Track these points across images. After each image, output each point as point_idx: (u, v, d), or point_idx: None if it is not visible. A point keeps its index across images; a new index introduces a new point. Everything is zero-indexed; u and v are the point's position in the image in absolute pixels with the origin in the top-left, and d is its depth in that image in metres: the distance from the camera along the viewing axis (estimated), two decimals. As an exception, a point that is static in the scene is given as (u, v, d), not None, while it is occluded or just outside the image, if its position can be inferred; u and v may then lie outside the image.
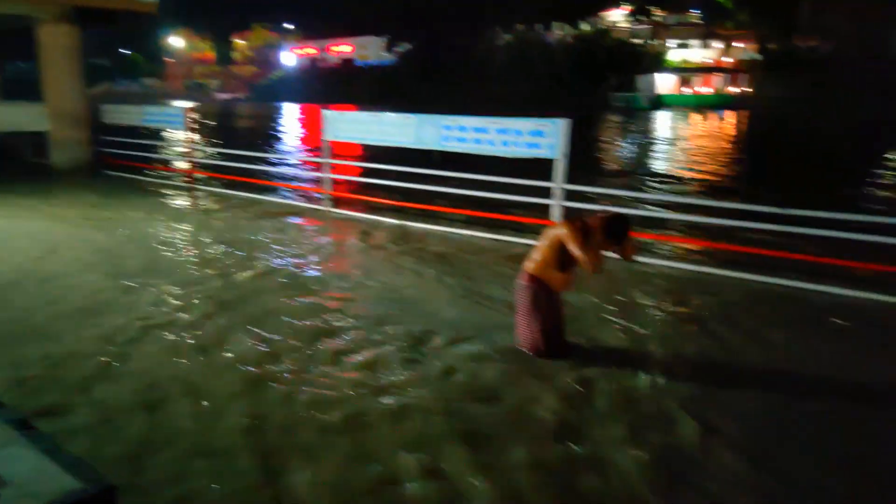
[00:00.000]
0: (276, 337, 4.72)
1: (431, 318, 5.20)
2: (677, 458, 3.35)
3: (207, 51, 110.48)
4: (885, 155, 19.53)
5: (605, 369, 4.25)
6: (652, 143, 23.12)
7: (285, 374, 4.13)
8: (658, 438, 3.50)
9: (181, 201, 10.41)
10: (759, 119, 38.59)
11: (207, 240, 7.74)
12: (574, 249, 4.02)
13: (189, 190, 11.38)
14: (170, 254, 7.08)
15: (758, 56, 56.94)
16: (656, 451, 3.37)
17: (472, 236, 8.00)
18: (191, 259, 6.90)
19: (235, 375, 4.12)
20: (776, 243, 6.93)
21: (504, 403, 3.83)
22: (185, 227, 8.48)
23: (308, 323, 5.02)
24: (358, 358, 4.42)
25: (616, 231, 4.11)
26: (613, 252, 4.27)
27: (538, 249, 4.24)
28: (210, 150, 17.87)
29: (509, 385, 4.05)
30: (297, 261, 6.85)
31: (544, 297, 4.23)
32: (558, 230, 4.14)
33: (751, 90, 54.79)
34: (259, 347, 4.55)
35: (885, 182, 14.04)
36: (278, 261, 6.82)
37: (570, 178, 7.24)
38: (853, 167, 16.97)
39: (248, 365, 4.26)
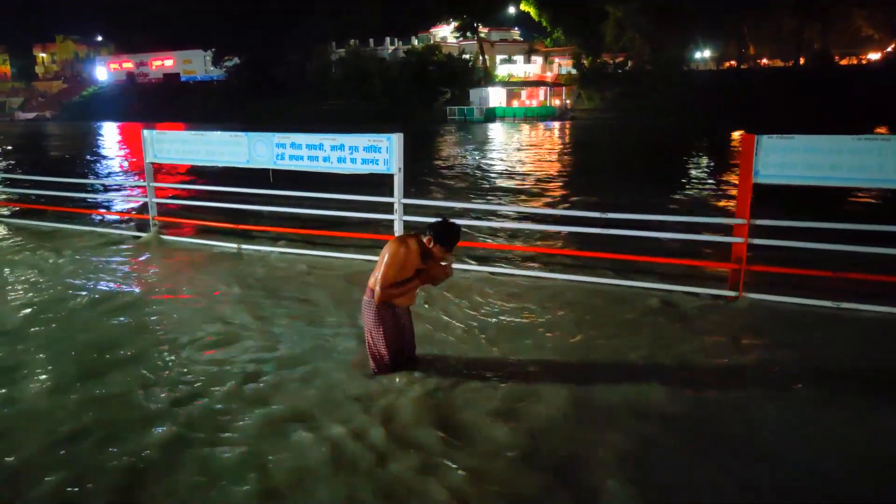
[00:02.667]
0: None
1: (267, 342, 4.99)
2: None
3: (2, 65, 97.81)
4: (689, 157, 22.13)
5: (453, 381, 4.33)
6: (488, 155, 24.18)
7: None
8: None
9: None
10: (579, 129, 41.90)
11: (13, 278, 6.82)
12: (383, 269, 4.02)
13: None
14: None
15: (574, 71, 61.93)
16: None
17: (312, 256, 7.81)
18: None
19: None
20: (602, 245, 7.53)
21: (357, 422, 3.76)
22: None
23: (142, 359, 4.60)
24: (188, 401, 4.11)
25: (445, 237, 4.09)
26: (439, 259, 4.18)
27: (378, 265, 4.22)
28: (11, 176, 15.85)
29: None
30: (114, 294, 6.24)
31: (387, 313, 4.21)
32: (389, 246, 4.14)
33: (570, 102, 59.43)
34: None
35: (691, 183, 15.86)
36: (95, 295, 6.18)
37: (411, 193, 7.34)
38: (663, 172, 18.94)
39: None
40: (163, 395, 4.15)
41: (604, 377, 4.45)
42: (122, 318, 5.60)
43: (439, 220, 4.20)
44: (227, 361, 4.66)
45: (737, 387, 4.33)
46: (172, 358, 4.73)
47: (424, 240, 4.15)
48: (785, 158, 5.80)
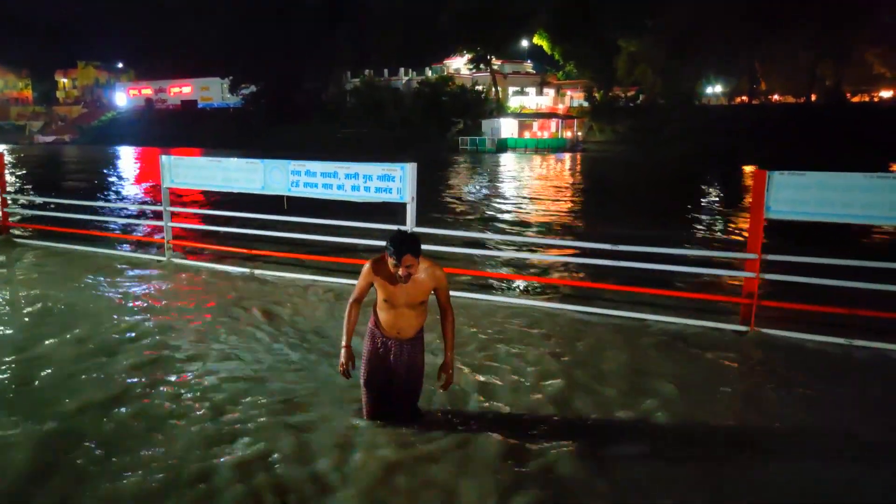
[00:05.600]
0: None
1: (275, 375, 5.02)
2: None
3: (24, 89, 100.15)
4: (700, 191, 22.17)
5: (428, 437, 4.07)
6: (500, 186, 24.34)
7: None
8: None
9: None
10: (590, 161, 42.10)
11: (30, 299, 6.91)
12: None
13: (2, 245, 10.09)
14: (-23, 318, 6.22)
15: (585, 104, 62.52)
16: None
17: (324, 281, 7.85)
18: (4, 320, 6.11)
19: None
20: (612, 277, 7.53)
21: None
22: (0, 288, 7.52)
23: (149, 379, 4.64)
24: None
25: (388, 244, 3.55)
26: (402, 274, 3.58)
27: None
28: (30, 198, 16.11)
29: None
30: (129, 317, 6.30)
31: (371, 338, 3.90)
32: None
33: (581, 134, 59.87)
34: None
35: (705, 219, 15.88)
36: (112, 318, 6.24)
37: (423, 222, 7.40)
38: (674, 206, 18.97)
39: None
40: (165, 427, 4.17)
41: (608, 413, 4.42)
42: (131, 341, 5.65)
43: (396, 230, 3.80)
44: (212, 388, 4.68)
45: (742, 424, 4.29)
46: (174, 381, 4.76)
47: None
48: (797, 195, 5.82)
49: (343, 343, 3.86)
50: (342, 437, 3.90)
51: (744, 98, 63.20)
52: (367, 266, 3.77)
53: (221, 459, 3.66)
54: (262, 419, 4.15)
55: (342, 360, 3.85)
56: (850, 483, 3.58)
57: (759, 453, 3.88)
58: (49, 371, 4.91)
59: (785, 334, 5.95)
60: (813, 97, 58.24)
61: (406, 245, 3.52)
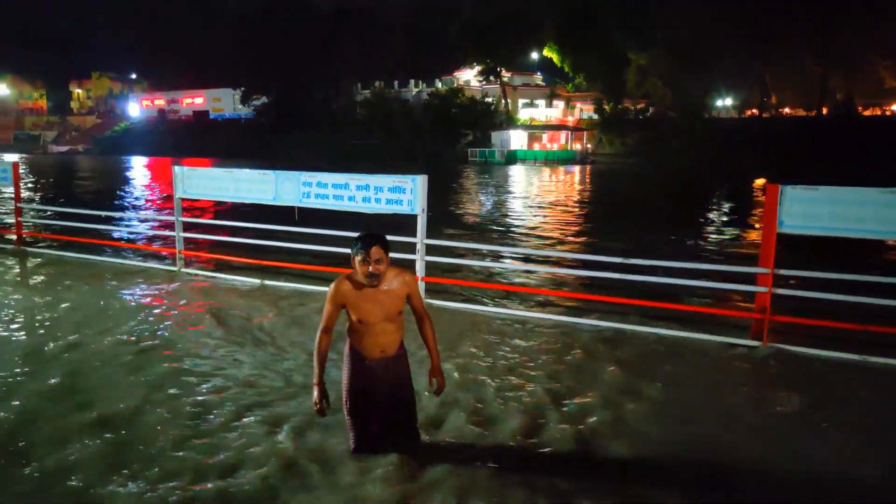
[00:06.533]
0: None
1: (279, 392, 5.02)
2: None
3: (39, 99, 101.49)
4: (711, 204, 22.10)
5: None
6: (509, 198, 24.36)
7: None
8: None
9: (7, 266, 9.31)
10: (600, 174, 42.09)
11: (42, 309, 6.96)
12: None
13: (16, 254, 10.20)
14: (-9, 327, 6.27)
15: (595, 116, 62.63)
16: None
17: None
18: (17, 332, 6.15)
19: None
20: (622, 290, 7.50)
21: None
22: (14, 296, 7.57)
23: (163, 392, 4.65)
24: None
25: (354, 243, 3.45)
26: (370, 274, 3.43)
27: None
28: (44, 208, 16.28)
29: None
30: (138, 327, 6.33)
31: (352, 361, 3.62)
32: None
33: (591, 146, 59.92)
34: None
35: (713, 228, 15.81)
36: (120, 328, 6.27)
37: (433, 233, 7.41)
38: (687, 220, 18.91)
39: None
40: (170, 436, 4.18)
41: (617, 431, 4.38)
42: (138, 351, 5.67)
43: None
44: (212, 403, 4.69)
45: (753, 441, 4.24)
46: (179, 398, 4.77)
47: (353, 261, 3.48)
48: (809, 209, 5.78)
49: (314, 380, 3.48)
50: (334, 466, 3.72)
51: (754, 111, 63.11)
52: (331, 287, 3.48)
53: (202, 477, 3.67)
54: (261, 439, 4.15)
55: (315, 398, 3.45)
56: (860, 495, 3.54)
57: (770, 469, 3.84)
58: (57, 380, 4.95)
59: (798, 349, 5.89)
60: (824, 110, 58.06)
61: (373, 236, 3.41)
